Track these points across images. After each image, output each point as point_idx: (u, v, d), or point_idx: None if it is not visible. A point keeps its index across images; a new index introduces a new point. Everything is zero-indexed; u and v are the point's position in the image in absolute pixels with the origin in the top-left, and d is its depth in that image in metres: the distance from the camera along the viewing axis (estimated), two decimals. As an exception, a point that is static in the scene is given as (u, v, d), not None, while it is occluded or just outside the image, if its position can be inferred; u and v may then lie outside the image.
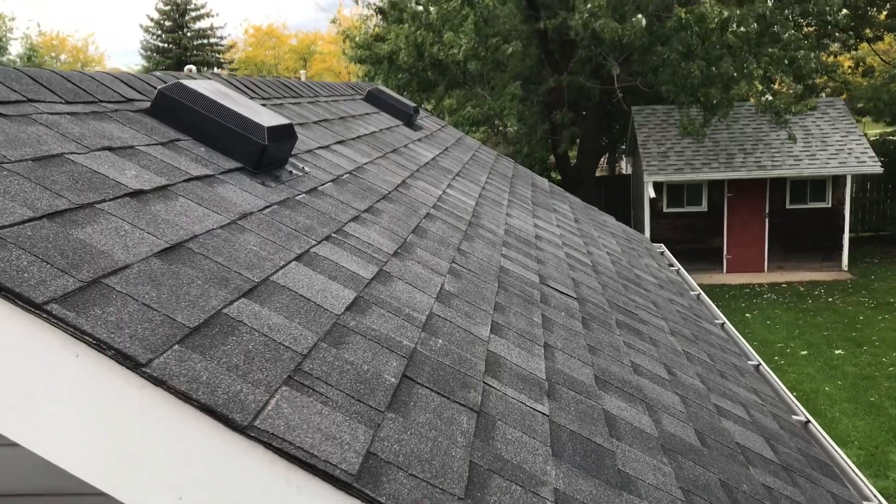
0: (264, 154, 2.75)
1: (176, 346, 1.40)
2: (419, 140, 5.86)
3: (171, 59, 52.79)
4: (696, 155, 19.04)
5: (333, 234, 2.53)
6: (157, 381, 1.31)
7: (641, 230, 19.54)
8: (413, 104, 6.72)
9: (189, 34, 55.40)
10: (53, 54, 57.48)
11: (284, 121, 3.06)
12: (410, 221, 3.30)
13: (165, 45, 54.88)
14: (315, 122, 4.30)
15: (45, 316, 1.30)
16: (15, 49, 26.09)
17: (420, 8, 15.95)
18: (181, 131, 2.69)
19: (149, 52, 55.72)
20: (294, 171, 3.02)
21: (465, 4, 14.07)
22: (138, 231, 1.76)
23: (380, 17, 18.85)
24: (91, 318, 1.34)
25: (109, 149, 2.17)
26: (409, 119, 6.37)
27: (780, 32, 16.14)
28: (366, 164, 3.97)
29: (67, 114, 2.27)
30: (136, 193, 1.96)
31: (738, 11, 14.19)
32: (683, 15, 13.80)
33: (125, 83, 2.86)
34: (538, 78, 19.08)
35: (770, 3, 15.45)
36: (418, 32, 15.09)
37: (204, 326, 1.52)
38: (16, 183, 1.67)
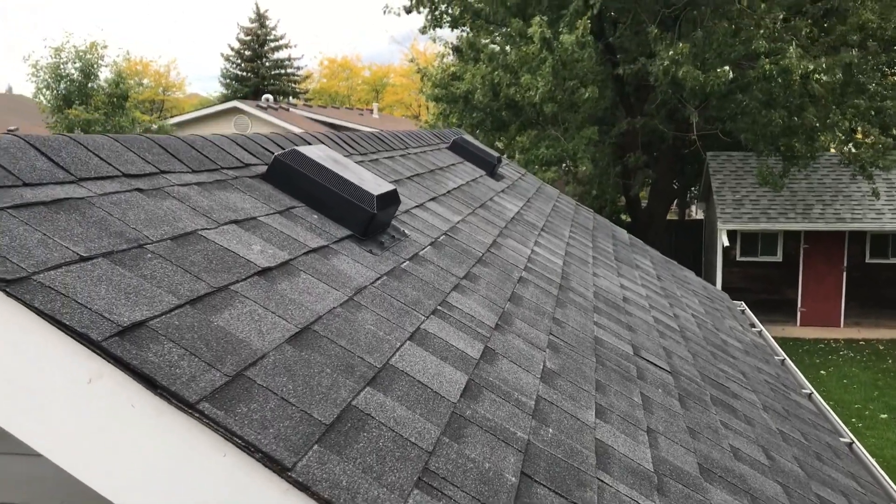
0: (372, 221, 2.80)
1: (315, 447, 1.42)
2: (503, 192, 5.89)
3: (248, 88, 54.41)
4: (773, 204, 18.62)
5: (439, 307, 2.55)
6: (302, 486, 1.33)
7: (713, 278, 19.13)
8: (496, 154, 6.76)
9: (267, 64, 57.09)
10: (137, 79, 59.89)
11: (389, 187, 3.11)
12: (505, 287, 3.30)
13: (244, 73, 56.64)
14: (408, 178, 4.36)
15: (197, 416, 1.34)
16: (103, 74, 27.17)
17: (497, 49, 16.11)
18: (295, 197, 2.75)
19: (228, 80, 57.57)
20: (395, 235, 3.06)
21: (544, 48, 14.14)
22: (270, 314, 1.81)
23: (455, 55, 19.10)
24: (238, 417, 1.38)
25: (235, 222, 2.23)
26: (492, 169, 6.41)
27: (866, 83, 15.77)
28: (458, 222, 4.00)
29: (195, 184, 2.35)
30: (263, 272, 2.01)
31: (823, 61, 13.92)
32: (768, 67, 13.61)
33: (242, 147, 2.95)
34: (611, 119, 19.01)
35: (856, 53, 15.12)
36: (495, 73, 15.21)
37: (338, 422, 1.54)
38: (159, 266, 1.73)
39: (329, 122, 36.75)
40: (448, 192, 4.62)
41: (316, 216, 2.71)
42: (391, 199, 3.03)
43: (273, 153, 3.12)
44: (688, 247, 22.97)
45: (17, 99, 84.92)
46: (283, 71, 58.29)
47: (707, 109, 17.02)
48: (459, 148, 6.44)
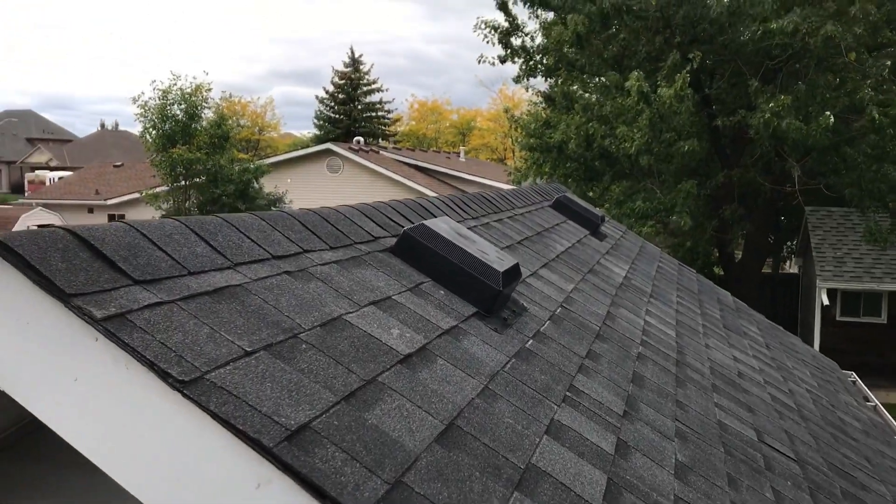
0: (497, 298, 2.78)
1: (477, 565, 1.39)
2: (608, 253, 5.80)
3: (340, 129, 55.95)
4: (878, 263, 17.82)
5: (568, 393, 2.50)
6: None
7: (810, 338, 18.36)
8: (600, 213, 6.69)
9: (359, 107, 58.69)
10: (235, 118, 62.42)
11: (512, 261, 3.10)
12: (626, 366, 3.22)
13: (337, 116, 58.34)
14: (518, 242, 4.34)
15: (365, 529, 1.33)
16: (206, 115, 28.37)
17: (593, 99, 16.08)
18: (422, 272, 2.77)
19: (321, 122, 59.37)
20: (515, 310, 3.04)
21: (641, 101, 14.04)
22: (417, 410, 1.80)
23: (546, 103, 19.16)
24: (403, 531, 1.36)
25: (374, 303, 2.25)
26: (595, 228, 6.34)
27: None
28: (571, 291, 3.94)
29: (334, 262, 2.39)
30: (405, 359, 2.01)
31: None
32: (877, 116, 13.09)
33: (370, 218, 3.00)
34: (705, 170, 18.64)
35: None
36: (590, 124, 15.17)
37: (494, 534, 1.51)
38: (314, 358, 1.75)
39: (417, 165, 37.33)
40: (557, 256, 4.58)
41: (442, 292, 2.72)
42: (514, 273, 3.01)
43: (397, 223, 3.16)
44: (786, 303, 22.17)
45: (123, 134, 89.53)
46: (374, 113, 59.77)
47: (808, 163, 16.52)
48: (563, 206, 6.41)
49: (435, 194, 30.30)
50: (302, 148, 41.51)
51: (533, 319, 3.06)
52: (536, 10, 17.05)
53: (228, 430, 1.38)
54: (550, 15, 17.20)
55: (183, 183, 26.83)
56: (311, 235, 2.47)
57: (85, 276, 1.52)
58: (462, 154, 47.07)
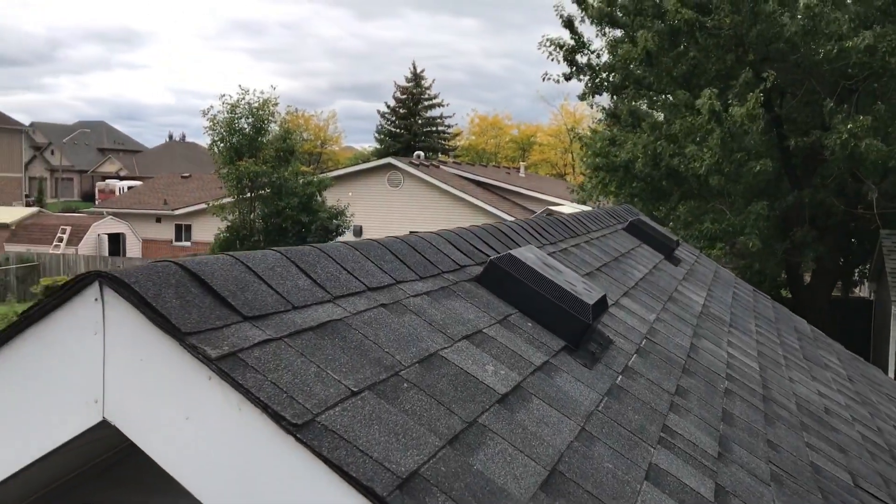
0: (587, 332, 2.72)
1: None
2: (684, 279, 5.67)
3: (401, 144, 56.44)
4: (958, 289, 17.05)
5: (662, 434, 2.42)
6: None
7: (884, 364, 17.65)
8: (674, 237, 6.56)
9: (420, 121, 59.13)
10: (299, 132, 63.54)
11: (599, 293, 3.03)
12: (715, 403, 3.12)
13: (398, 130, 58.89)
14: (598, 269, 4.26)
15: (480, 586, 1.28)
16: (272, 129, 28.93)
17: (660, 118, 15.85)
18: (509, 303, 2.72)
19: (382, 136, 59.99)
20: (601, 343, 2.96)
21: (712, 120, 13.77)
22: (519, 454, 1.75)
23: (610, 120, 18.95)
24: (518, 589, 1.31)
25: (467, 337, 2.22)
26: (670, 253, 6.21)
27: None
28: (654, 321, 3.85)
29: (425, 294, 2.36)
30: (503, 399, 1.97)
31: None
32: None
33: (454, 246, 2.97)
34: (775, 191, 18.17)
35: None
36: (658, 143, 14.94)
37: None
38: (416, 398, 1.72)
39: (477, 181, 37.36)
40: (636, 283, 4.48)
41: (530, 324, 2.67)
42: (602, 305, 2.95)
43: (481, 251, 3.13)
44: (857, 329, 21.40)
45: (190, 146, 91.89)
46: (434, 128, 60.16)
47: (885, 185, 15.97)
48: (636, 230, 6.29)
49: (495, 209, 30.30)
50: (363, 162, 41.98)
51: (620, 353, 2.98)
52: (603, 28, 16.92)
53: (341, 476, 1.36)
54: (617, 32, 17.06)
55: (248, 195, 27.36)
56: (401, 265, 2.45)
57: (198, 313, 1.52)
58: (522, 170, 46.94)
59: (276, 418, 1.39)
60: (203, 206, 33.13)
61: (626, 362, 2.93)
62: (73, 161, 78.62)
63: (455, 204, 33.38)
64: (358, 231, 32.56)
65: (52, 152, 78.49)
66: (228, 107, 27.61)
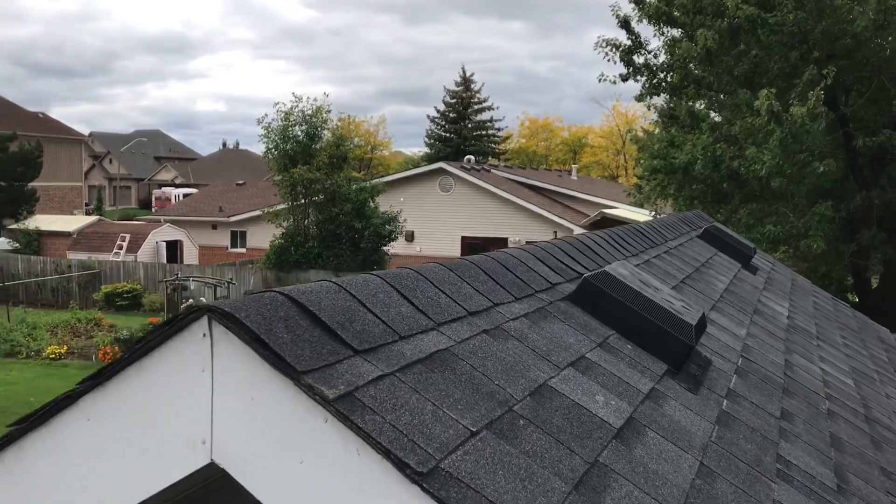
0: (689, 354, 2.57)
1: None
2: (765, 289, 5.44)
3: (451, 148, 56.41)
4: None
5: (778, 466, 2.25)
6: None
7: (959, 372, 16.95)
8: (751, 244, 6.32)
9: (469, 125, 59.02)
10: (350, 138, 64.07)
11: (698, 312, 2.88)
12: (821, 426, 2.93)
13: (447, 134, 58.88)
14: (682, 281, 4.09)
15: None
16: (324, 134, 29.15)
17: (720, 118, 15.44)
18: (605, 323, 2.59)
19: (432, 140, 60.07)
20: (701, 363, 2.81)
21: (771, 121, 13.35)
22: (646, 497, 1.62)
23: (665, 121, 18.55)
24: None
25: (572, 364, 2.09)
26: (747, 261, 5.98)
27: None
28: (745, 337, 3.67)
29: (523, 317, 2.25)
30: (618, 434, 1.84)
31: None
32: None
33: (541, 261, 2.85)
34: (840, 192, 17.58)
35: None
36: (718, 145, 14.56)
37: None
38: (535, 437, 1.60)
39: (529, 184, 37.10)
40: (720, 296, 4.30)
41: (629, 346, 2.53)
42: (702, 325, 2.80)
43: (570, 268, 3.00)
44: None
45: (243, 153, 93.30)
46: (484, 132, 59.97)
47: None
48: (712, 237, 6.08)
49: (547, 213, 29.94)
50: (414, 167, 42.08)
51: (720, 375, 2.82)
52: (661, 28, 16.57)
53: (472, 530, 1.24)
54: (675, 32, 16.69)
55: (302, 201, 27.61)
56: (495, 286, 2.33)
57: (310, 348, 1.43)
58: (574, 172, 46.46)
59: (400, 465, 1.28)
60: (258, 212, 33.57)
61: (728, 385, 2.76)
62: (130, 169, 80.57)
63: (506, 208, 33.19)
64: (410, 236, 32.61)
65: (110, 161, 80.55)
66: (282, 114, 27.92)
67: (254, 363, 1.37)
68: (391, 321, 1.71)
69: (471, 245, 33.36)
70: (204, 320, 1.40)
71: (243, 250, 36.67)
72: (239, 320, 1.38)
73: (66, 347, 22.13)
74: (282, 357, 1.35)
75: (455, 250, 33.26)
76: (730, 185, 15.56)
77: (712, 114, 16.51)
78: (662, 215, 18.81)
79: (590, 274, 2.70)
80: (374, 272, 1.92)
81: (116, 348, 21.47)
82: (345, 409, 1.33)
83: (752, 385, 2.93)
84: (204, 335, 1.40)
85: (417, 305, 1.87)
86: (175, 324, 1.42)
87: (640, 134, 22.97)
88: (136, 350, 1.47)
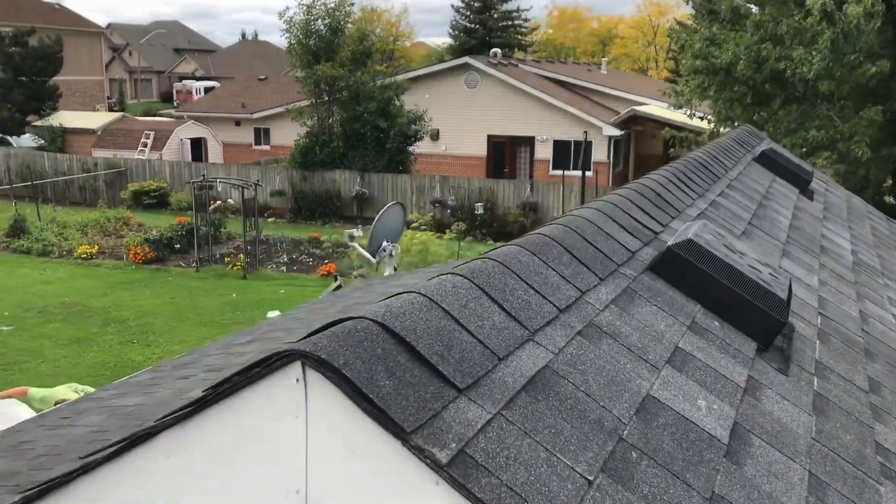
0: (780, 330, 2.41)
1: None
2: (825, 219, 5.21)
3: (475, 40, 54.76)
4: None
5: (879, 459, 2.12)
6: None
7: None
8: (809, 168, 6.03)
9: (496, 16, 57.05)
10: (372, 31, 62.38)
11: (785, 278, 2.69)
12: (907, 395, 2.78)
13: (472, 25, 57.03)
14: (749, 222, 3.88)
15: None
16: (348, 30, 28.29)
17: (764, 17, 14.66)
18: (688, 296, 2.42)
19: (456, 32, 58.31)
20: (785, 332, 2.64)
21: (822, 21, 12.66)
22: (768, 535, 1.49)
23: (707, 17, 17.69)
24: None
25: (668, 363, 1.94)
26: (805, 186, 5.71)
27: None
28: (818, 287, 3.48)
29: (611, 304, 2.08)
30: (727, 451, 1.70)
31: None
32: None
33: (615, 221, 2.65)
34: (884, 92, 16.88)
35: None
36: (763, 46, 13.88)
37: None
38: (650, 474, 1.46)
39: (557, 79, 36.10)
40: (788, 237, 4.09)
41: (717, 323, 2.36)
42: (790, 295, 2.61)
43: (646, 227, 2.81)
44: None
45: (263, 45, 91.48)
46: (510, 23, 58.01)
47: None
48: (768, 161, 5.80)
49: (576, 110, 29.21)
50: (438, 62, 41.00)
51: (804, 343, 2.66)
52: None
53: None
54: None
55: (326, 99, 27.12)
56: (579, 266, 2.15)
57: (414, 395, 1.28)
58: (604, 66, 45.07)
59: (524, 541, 1.15)
60: (281, 109, 33.07)
61: (814, 356, 2.61)
62: (150, 62, 79.47)
63: (534, 105, 32.40)
64: (435, 135, 32.10)
65: (130, 53, 79.39)
66: (304, 8, 27.08)
67: (354, 416, 1.23)
68: (487, 338, 1.56)
69: (497, 144, 32.84)
70: (297, 365, 1.25)
71: (267, 147, 36.40)
72: (337, 370, 1.22)
73: (96, 247, 22.39)
74: (386, 413, 1.21)
75: (481, 150, 32.78)
76: (772, 87, 14.94)
77: (754, 9, 15.67)
78: (698, 115, 18.22)
79: (673, 243, 2.51)
80: (458, 272, 1.74)
81: (147, 248, 21.68)
82: (459, 476, 1.19)
83: (835, 352, 2.77)
84: (297, 380, 1.26)
85: (509, 311, 1.71)
86: (265, 365, 1.28)
87: (676, 26, 22.03)
88: (221, 389, 1.33)
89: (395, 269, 10.45)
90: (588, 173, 27.61)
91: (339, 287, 10.65)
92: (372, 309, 1.44)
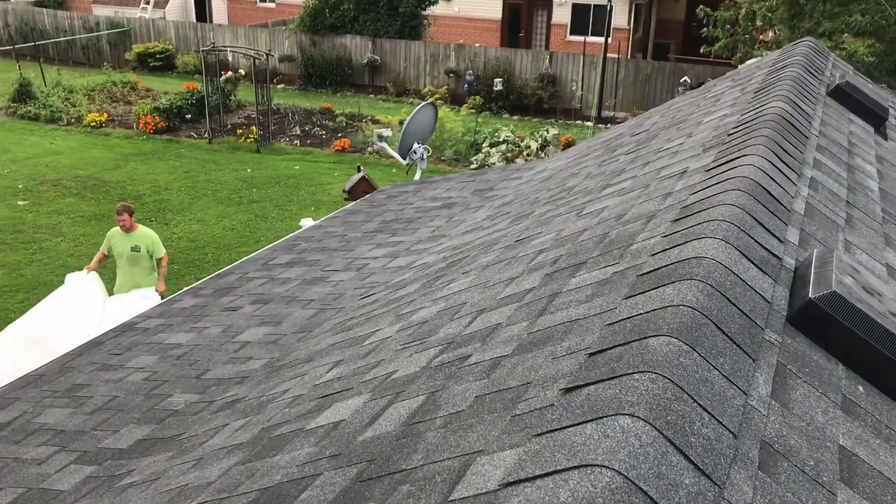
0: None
1: None
2: (905, 168, 4.93)
3: None
4: None
5: None
6: None
7: None
8: (885, 103, 5.67)
9: None
10: None
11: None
12: None
13: None
14: (846, 201, 3.63)
15: None
16: None
17: None
18: (831, 355, 2.25)
19: None
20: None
21: None
22: None
23: None
24: None
25: (845, 482, 1.79)
26: (881, 123, 5.39)
27: None
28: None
29: (771, 399, 1.91)
30: None
31: None
32: None
33: (748, 258, 2.43)
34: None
35: None
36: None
37: None
38: None
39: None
40: (883, 211, 3.85)
41: (861, 389, 2.20)
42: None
43: (766, 248, 2.59)
44: None
45: None
46: None
47: None
48: (843, 95, 5.43)
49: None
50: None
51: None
52: None
53: None
54: None
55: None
56: (733, 349, 1.96)
57: None
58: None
59: None
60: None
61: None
62: None
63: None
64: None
65: None
66: None
67: None
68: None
69: (513, 7, 31.43)
70: None
71: (272, 5, 34.89)
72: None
73: (105, 115, 21.90)
74: None
75: (496, 12, 31.42)
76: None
77: None
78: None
79: (815, 295, 2.30)
80: (637, 413, 1.56)
81: (158, 118, 21.20)
82: None
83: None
84: None
85: (697, 463, 1.54)
86: None
87: None
88: None
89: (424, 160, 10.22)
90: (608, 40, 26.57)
91: (362, 178, 10.43)
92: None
